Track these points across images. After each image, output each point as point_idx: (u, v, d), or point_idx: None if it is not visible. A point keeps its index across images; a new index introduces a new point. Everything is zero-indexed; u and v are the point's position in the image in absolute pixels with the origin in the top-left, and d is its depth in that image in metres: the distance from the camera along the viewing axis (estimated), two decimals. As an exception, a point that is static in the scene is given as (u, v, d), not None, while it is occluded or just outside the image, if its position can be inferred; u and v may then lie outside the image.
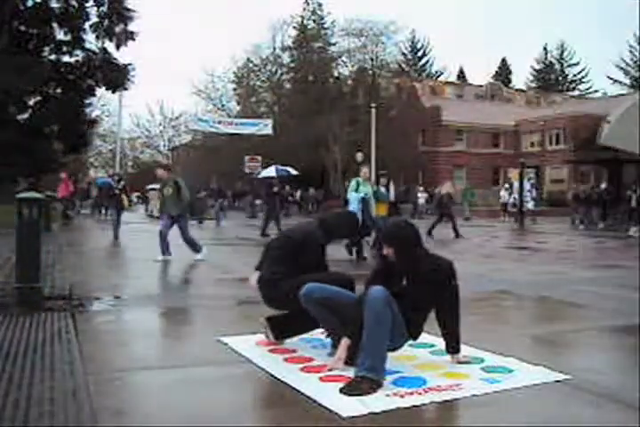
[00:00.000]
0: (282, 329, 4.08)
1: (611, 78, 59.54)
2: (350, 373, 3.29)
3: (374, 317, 3.26)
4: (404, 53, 59.03)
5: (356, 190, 10.08)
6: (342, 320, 3.60)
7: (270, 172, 21.09)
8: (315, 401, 3.00)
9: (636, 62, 57.14)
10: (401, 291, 3.51)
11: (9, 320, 4.77)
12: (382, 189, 10.47)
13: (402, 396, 3.08)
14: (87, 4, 20.40)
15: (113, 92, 22.34)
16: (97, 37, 20.54)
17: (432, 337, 4.05)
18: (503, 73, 70.89)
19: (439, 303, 3.63)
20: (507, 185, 27.22)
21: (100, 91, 23.13)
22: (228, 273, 8.20)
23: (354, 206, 9.93)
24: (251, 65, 45.11)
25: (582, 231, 18.91)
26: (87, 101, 22.94)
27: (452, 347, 3.68)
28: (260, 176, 21.20)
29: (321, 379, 3.35)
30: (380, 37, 41.97)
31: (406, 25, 76.09)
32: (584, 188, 24.11)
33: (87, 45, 20.88)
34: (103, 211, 25.61)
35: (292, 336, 4.13)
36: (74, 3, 20.27)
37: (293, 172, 22.77)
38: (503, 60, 72.42)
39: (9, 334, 4.34)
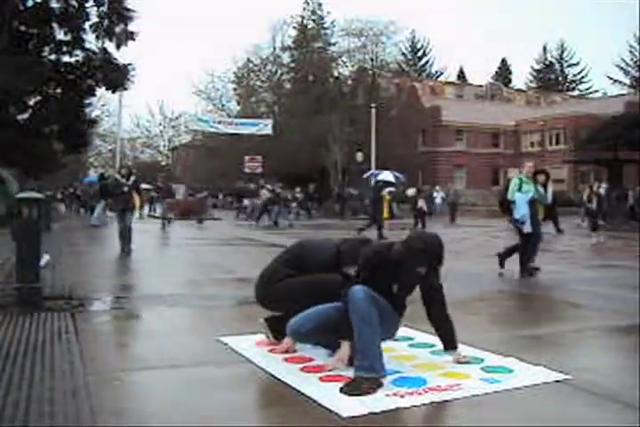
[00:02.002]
0: (280, 329, 4.08)
1: (611, 78, 59.54)
2: (350, 373, 3.29)
3: (360, 318, 3.26)
4: (403, 53, 58.97)
5: (520, 190, 8.23)
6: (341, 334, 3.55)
7: (387, 176, 21.13)
8: (315, 401, 3.00)
9: (636, 62, 57.10)
10: (385, 292, 3.50)
11: (9, 320, 4.77)
12: (541, 190, 8.53)
13: (402, 396, 3.08)
14: (87, 4, 20.37)
15: (113, 92, 22.32)
16: (97, 37, 20.51)
17: (432, 337, 4.05)
18: (503, 73, 70.91)
19: (427, 301, 3.66)
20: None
21: (100, 91, 23.11)
22: (228, 273, 8.20)
23: (522, 211, 8.09)
24: (251, 65, 45.08)
25: (583, 231, 18.85)
26: (87, 101, 22.91)
27: (450, 342, 3.68)
28: (377, 179, 20.76)
29: (321, 379, 3.35)
30: (380, 37, 41.92)
31: (406, 25, 76.05)
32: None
33: (87, 45, 20.86)
34: (88, 211, 25.31)
35: None
36: (74, 3, 20.24)
37: (403, 179, 23.55)
38: (503, 60, 72.47)
39: (9, 334, 4.35)
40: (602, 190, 19.25)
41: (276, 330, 4.08)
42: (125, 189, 10.83)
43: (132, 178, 11.11)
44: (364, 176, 21.68)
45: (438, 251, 3.54)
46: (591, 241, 14.32)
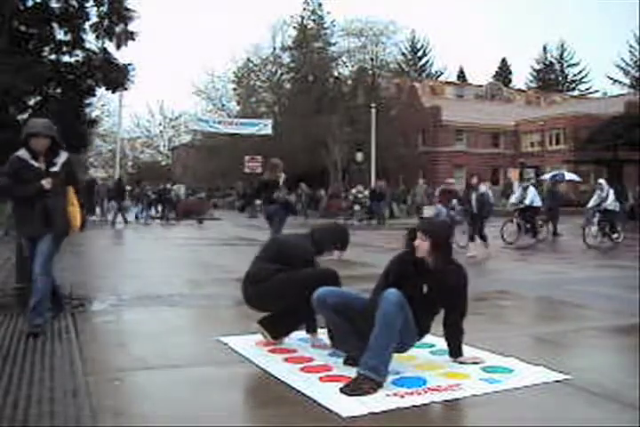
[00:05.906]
0: (276, 329, 4.09)
1: (611, 78, 59.49)
2: (350, 373, 3.29)
3: (385, 319, 3.26)
4: (403, 53, 58.94)
5: None
6: (354, 326, 3.55)
7: (572, 176, 20.80)
8: (315, 401, 3.00)
9: (636, 62, 57.06)
10: (416, 295, 3.49)
11: (9, 320, 4.77)
12: None
13: (402, 396, 3.08)
14: (87, 4, 20.38)
15: (113, 92, 22.32)
16: (97, 37, 20.52)
17: (432, 337, 4.05)
18: (503, 73, 70.88)
19: (449, 309, 3.67)
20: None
21: (100, 91, 23.13)
22: (228, 273, 8.19)
23: None
24: (251, 65, 45.12)
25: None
26: (87, 101, 22.93)
27: (456, 351, 3.71)
28: (557, 179, 19.98)
29: (321, 379, 3.35)
30: (380, 37, 41.99)
31: (406, 25, 76.18)
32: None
33: (87, 45, 20.87)
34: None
35: (286, 334, 4.14)
36: (74, 3, 20.25)
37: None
38: (503, 60, 72.42)
39: (9, 334, 4.35)
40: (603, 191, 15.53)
41: (273, 330, 4.09)
42: (47, 184, 4.54)
43: (63, 157, 4.76)
44: (548, 178, 19.35)
45: (446, 231, 3.66)
46: (468, 253, 10.43)
